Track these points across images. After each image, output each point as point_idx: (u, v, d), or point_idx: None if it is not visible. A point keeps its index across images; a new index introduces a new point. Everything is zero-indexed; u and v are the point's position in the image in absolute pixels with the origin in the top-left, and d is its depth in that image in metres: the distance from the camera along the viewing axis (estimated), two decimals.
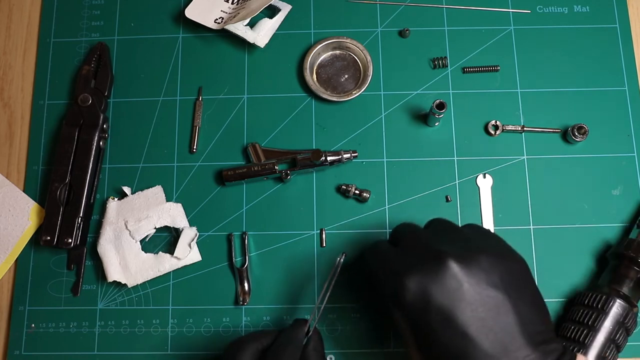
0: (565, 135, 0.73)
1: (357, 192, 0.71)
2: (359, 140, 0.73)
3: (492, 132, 0.73)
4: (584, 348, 0.59)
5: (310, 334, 0.54)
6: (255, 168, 0.70)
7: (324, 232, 0.71)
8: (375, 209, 0.72)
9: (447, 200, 0.71)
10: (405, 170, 0.73)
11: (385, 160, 0.73)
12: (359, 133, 0.74)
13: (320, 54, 0.76)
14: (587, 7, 0.77)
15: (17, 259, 0.72)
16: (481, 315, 0.47)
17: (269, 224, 0.71)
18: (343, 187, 0.71)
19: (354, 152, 0.71)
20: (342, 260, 0.56)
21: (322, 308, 0.57)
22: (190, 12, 0.76)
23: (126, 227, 0.71)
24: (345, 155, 0.71)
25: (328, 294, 0.56)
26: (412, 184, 0.72)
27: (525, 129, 0.72)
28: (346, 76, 0.76)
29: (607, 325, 0.60)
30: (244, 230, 0.71)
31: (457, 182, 0.72)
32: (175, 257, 0.69)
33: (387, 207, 0.72)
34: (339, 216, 0.72)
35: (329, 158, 0.70)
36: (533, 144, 0.73)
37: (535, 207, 0.70)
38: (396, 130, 0.74)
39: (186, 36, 0.77)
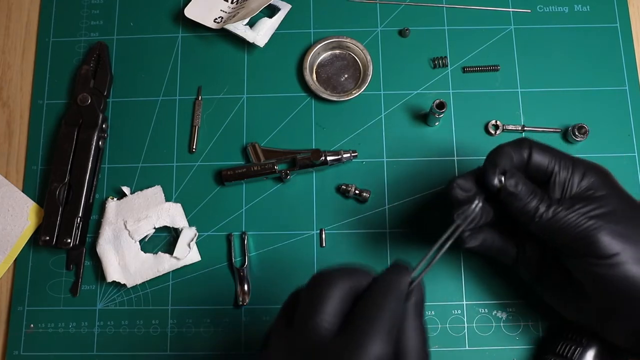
0: (566, 134, 0.72)
1: (357, 192, 0.70)
2: (358, 140, 0.73)
3: (493, 132, 0.72)
4: None
5: (413, 285, 0.45)
6: (255, 168, 0.70)
7: (323, 232, 0.70)
8: (375, 208, 0.71)
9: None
10: (405, 170, 0.72)
11: (385, 160, 0.72)
12: (358, 133, 0.73)
13: (320, 54, 0.76)
14: (588, 7, 0.76)
15: (16, 259, 0.72)
16: None
17: (268, 224, 0.71)
18: (343, 187, 0.71)
19: (354, 152, 0.71)
20: (478, 205, 0.51)
21: (437, 257, 0.48)
22: (190, 12, 0.76)
23: (125, 227, 0.70)
24: (345, 155, 0.70)
25: (449, 243, 0.50)
26: (412, 183, 0.71)
27: (525, 128, 0.72)
28: (346, 76, 0.75)
29: None
30: (243, 230, 0.71)
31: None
32: (175, 257, 0.69)
33: (387, 207, 0.71)
34: (338, 216, 0.71)
35: (328, 158, 0.70)
36: None
37: None
38: (396, 130, 0.73)
39: (186, 35, 0.77)
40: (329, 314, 0.41)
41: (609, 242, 0.48)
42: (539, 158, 0.51)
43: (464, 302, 0.67)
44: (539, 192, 0.50)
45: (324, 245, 0.70)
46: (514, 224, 0.53)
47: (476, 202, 0.51)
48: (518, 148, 0.51)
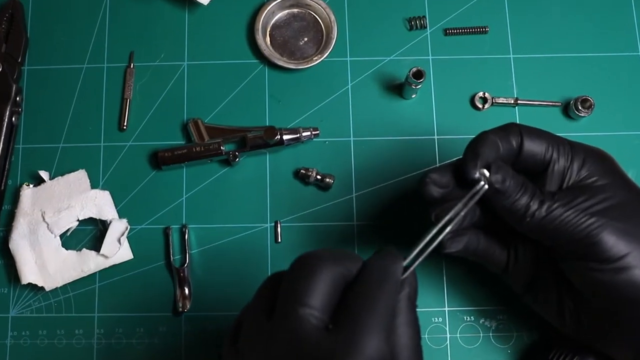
0: (567, 109, 0.68)
1: (318, 177, 0.65)
2: (321, 115, 0.69)
3: (480, 106, 0.68)
4: None
5: (406, 274, 0.43)
6: (198, 149, 0.65)
7: (279, 225, 0.66)
8: (340, 197, 0.67)
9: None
10: (376, 151, 0.68)
11: (352, 139, 0.68)
12: (321, 107, 0.69)
13: (275, 13, 0.72)
14: None
15: None
16: None
17: (213, 216, 0.66)
18: (302, 171, 0.66)
19: (315, 129, 0.67)
20: (483, 187, 0.47)
21: (430, 247, 0.46)
22: None
23: (43, 219, 0.66)
24: (304, 134, 0.66)
25: (441, 236, 0.47)
26: (384, 168, 0.67)
27: (519, 102, 0.68)
28: (305, 39, 0.71)
29: None
30: (183, 222, 0.66)
31: (437, 165, 0.67)
32: (102, 255, 0.65)
33: (354, 195, 0.67)
34: (297, 206, 0.67)
35: (285, 137, 0.65)
36: (529, 120, 0.67)
37: None
38: (365, 104, 0.69)
39: None
40: (317, 306, 0.39)
41: (614, 242, 0.45)
42: (532, 146, 0.48)
43: (446, 309, 0.64)
44: (529, 187, 0.47)
45: (279, 240, 0.65)
46: (503, 225, 0.50)
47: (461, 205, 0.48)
48: (505, 135, 0.48)
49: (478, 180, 0.46)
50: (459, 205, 0.47)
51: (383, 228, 0.66)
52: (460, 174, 0.48)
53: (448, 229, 0.46)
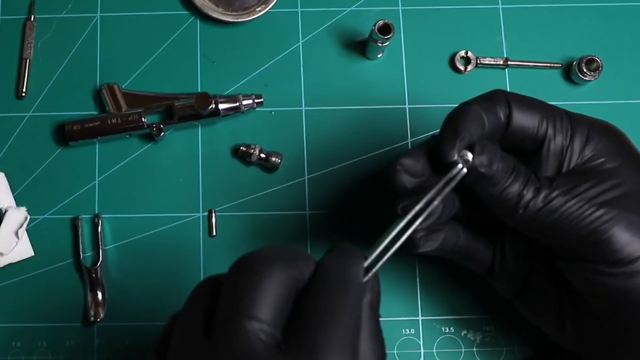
0: (569, 72, 0.63)
1: (262, 155, 0.61)
2: (265, 79, 0.64)
3: (462, 68, 0.64)
4: None
5: (368, 277, 0.41)
6: (113, 120, 0.61)
7: (214, 214, 0.61)
8: (290, 180, 0.62)
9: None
10: (334, 124, 0.63)
11: (303, 109, 0.64)
12: (265, 69, 0.65)
13: None
14: None
15: None
16: None
17: (133, 204, 0.62)
18: (242, 148, 0.61)
19: (259, 97, 0.62)
20: (461, 171, 0.45)
21: (400, 242, 0.42)
22: None
23: None
24: (245, 102, 0.62)
25: (408, 232, 0.43)
26: (343, 144, 0.63)
27: (510, 62, 0.64)
28: None
29: None
30: (96, 212, 0.62)
31: (409, 140, 0.63)
32: None
33: (306, 177, 0.62)
34: (236, 191, 0.62)
35: (221, 106, 0.61)
36: (522, 86, 0.64)
37: None
38: (320, 65, 0.65)
39: None
40: (267, 318, 0.36)
41: (628, 240, 0.43)
42: (522, 119, 0.46)
43: (420, 318, 0.61)
44: (522, 171, 0.45)
45: (214, 233, 0.61)
46: (490, 216, 0.48)
47: (432, 195, 0.44)
48: (491, 106, 0.46)
49: (456, 164, 0.44)
50: (431, 193, 0.43)
51: (342, 218, 0.62)
52: (436, 156, 0.46)
53: (417, 222, 0.42)
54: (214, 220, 0.61)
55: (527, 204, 0.45)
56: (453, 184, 0.43)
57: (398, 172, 0.46)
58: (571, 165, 0.47)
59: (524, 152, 0.47)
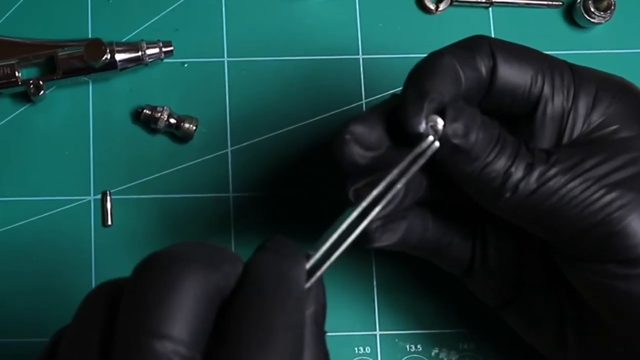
0: (572, 12, 0.58)
1: (172, 121, 0.55)
2: (175, 22, 0.58)
3: (432, 7, 0.58)
4: None
5: (310, 282, 0.35)
6: None
7: (108, 198, 0.55)
8: (208, 153, 0.56)
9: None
10: (266, 80, 0.57)
11: (226, 60, 0.57)
12: (176, 8, 0.58)
13: None
14: None
15: None
16: None
17: (3, 184, 0.56)
18: (146, 111, 0.55)
19: (167, 44, 0.56)
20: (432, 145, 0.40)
21: (352, 237, 0.37)
22: None
23: None
24: (149, 52, 0.56)
25: (359, 229, 0.38)
26: (277, 106, 0.57)
27: (495, 0, 0.58)
28: None
29: None
30: None
31: (363, 102, 0.57)
32: None
33: (229, 149, 0.56)
34: (138, 168, 0.56)
35: (118, 57, 0.56)
36: (510, 30, 0.58)
37: None
38: (248, 4, 0.58)
39: None
40: (184, 337, 0.31)
41: None
42: (510, 74, 0.42)
43: (377, 332, 0.55)
44: (509, 142, 0.40)
45: (109, 223, 0.55)
46: (467, 200, 0.43)
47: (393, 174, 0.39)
48: (469, 57, 0.41)
49: (425, 135, 0.40)
50: (393, 173, 0.39)
51: (276, 203, 0.55)
52: (397, 123, 0.41)
53: (375, 211, 0.38)
54: (109, 205, 0.55)
55: (516, 185, 0.40)
56: (422, 161, 0.39)
57: (347, 143, 0.40)
58: (574, 135, 0.41)
59: (513, 117, 0.43)
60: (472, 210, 0.45)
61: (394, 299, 0.55)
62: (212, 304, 0.32)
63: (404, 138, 0.40)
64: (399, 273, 0.55)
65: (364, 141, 0.41)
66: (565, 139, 0.42)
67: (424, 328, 0.54)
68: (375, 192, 0.38)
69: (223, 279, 0.33)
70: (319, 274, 0.35)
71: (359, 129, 0.41)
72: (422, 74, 0.41)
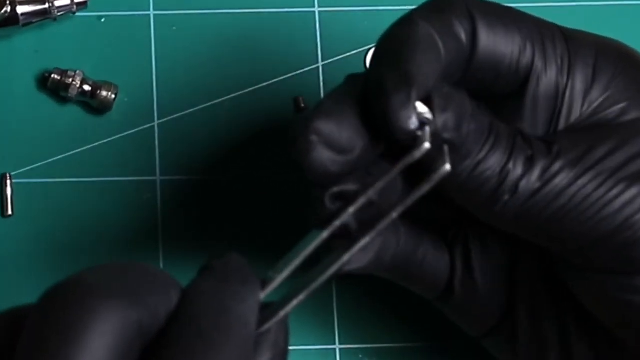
0: None
1: (86, 88, 0.49)
2: None
3: None
4: None
5: (270, 324, 0.28)
6: None
7: (8, 182, 0.49)
8: (131, 127, 0.49)
9: (298, 108, 0.51)
10: (201, 38, 0.51)
11: (152, 13, 0.51)
12: None
13: None
14: None
15: None
16: None
17: None
18: (55, 76, 0.49)
19: None
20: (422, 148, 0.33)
21: (327, 275, 0.30)
22: None
23: None
24: (58, 3, 0.50)
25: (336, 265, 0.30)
26: (215, 70, 0.50)
27: None
28: None
29: None
30: None
31: (320, 64, 0.50)
32: None
33: (156, 122, 0.49)
34: (44, 145, 0.49)
35: (20, 9, 0.50)
36: None
37: None
38: None
39: None
40: None
41: None
42: (493, 42, 0.36)
43: (337, 346, 0.49)
44: (503, 131, 0.35)
45: (9, 213, 0.48)
46: (446, 205, 0.38)
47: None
48: (446, 23, 0.35)
49: (421, 141, 0.33)
50: (376, 186, 0.32)
51: (211, 188, 0.49)
52: (376, 119, 0.34)
53: (360, 244, 0.30)
54: (9, 191, 0.49)
55: (516, 184, 0.35)
56: (426, 187, 0.32)
57: (314, 146, 0.34)
58: (572, 118, 0.36)
59: (497, 98, 0.37)
60: (451, 215, 0.40)
61: (355, 309, 0.49)
62: (131, 349, 0.27)
63: (385, 136, 0.34)
64: (361, 281, 0.49)
65: (334, 142, 0.34)
66: (562, 124, 0.36)
67: (389, 342, 0.49)
68: (352, 210, 0.31)
69: (149, 315, 0.28)
70: (282, 314, 0.29)
71: (326, 127, 0.34)
72: (399, 51, 0.34)
